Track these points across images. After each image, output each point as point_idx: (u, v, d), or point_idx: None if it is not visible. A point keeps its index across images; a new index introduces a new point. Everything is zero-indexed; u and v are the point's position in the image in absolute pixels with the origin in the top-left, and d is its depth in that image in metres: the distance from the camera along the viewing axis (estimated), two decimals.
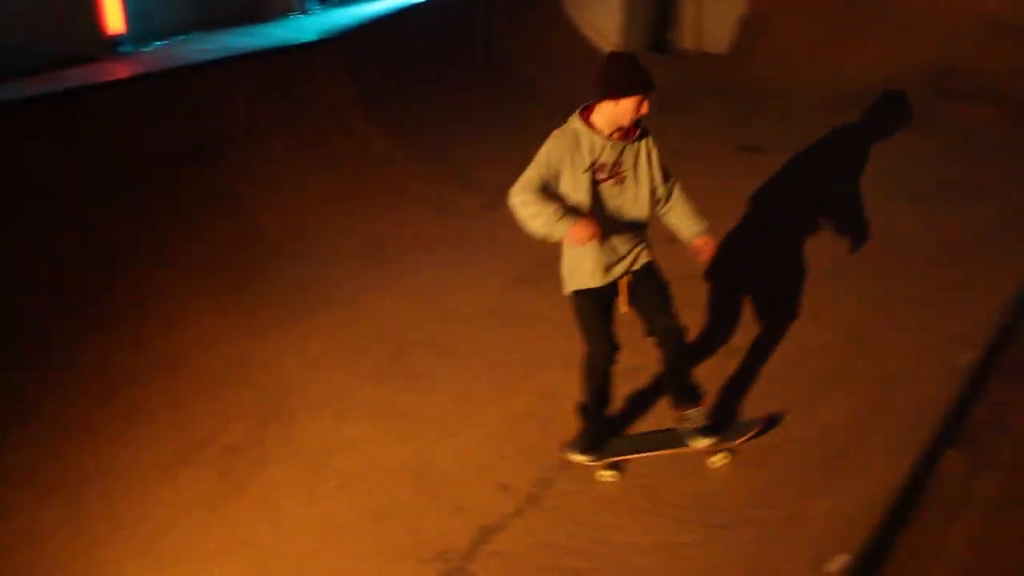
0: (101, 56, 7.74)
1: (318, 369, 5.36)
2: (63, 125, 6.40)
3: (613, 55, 4.26)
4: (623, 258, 4.27)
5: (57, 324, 5.49)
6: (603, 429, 4.54)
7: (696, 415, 4.48)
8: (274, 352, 5.52)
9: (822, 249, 6.85)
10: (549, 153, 4.17)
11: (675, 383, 4.49)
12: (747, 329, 5.73)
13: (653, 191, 4.29)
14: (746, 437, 4.53)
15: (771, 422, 4.68)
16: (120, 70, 7.44)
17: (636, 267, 4.30)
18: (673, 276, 4.46)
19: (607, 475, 4.44)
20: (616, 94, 4.03)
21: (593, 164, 4.09)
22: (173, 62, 7.55)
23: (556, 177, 4.13)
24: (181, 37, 8.44)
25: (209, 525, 4.20)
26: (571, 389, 4.59)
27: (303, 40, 8.17)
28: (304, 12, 9.32)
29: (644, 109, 4.08)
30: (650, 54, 12.36)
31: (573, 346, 4.49)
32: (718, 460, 4.48)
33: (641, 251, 4.31)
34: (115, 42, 7.93)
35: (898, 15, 11.04)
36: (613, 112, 4.06)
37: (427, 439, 4.73)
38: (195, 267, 6.20)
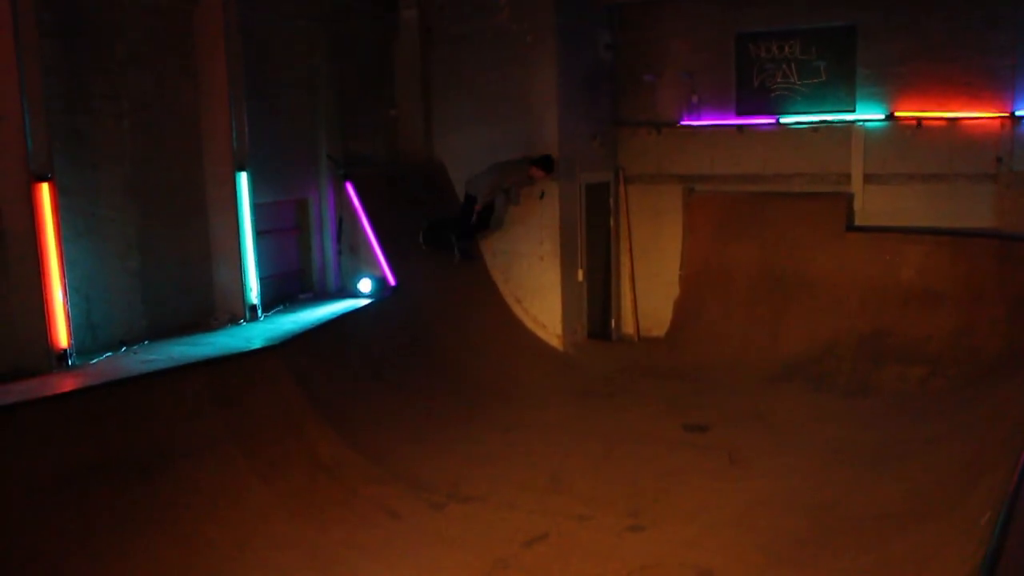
0: (48, 370, 7.73)
1: None
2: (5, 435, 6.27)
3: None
4: None
5: None
6: None
7: None
8: None
9: (778, 530, 6.83)
10: None
11: None
12: None
13: None
14: None
15: None
16: (65, 383, 7.42)
17: None
18: None
19: None
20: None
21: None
22: (118, 374, 7.57)
23: None
24: (127, 348, 8.51)
25: None
26: None
27: (249, 348, 8.29)
28: (251, 319, 9.52)
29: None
30: (592, 341, 12.77)
31: None
32: None
33: None
34: (61, 355, 7.97)
35: (821, 289, 11.66)
36: None
37: None
38: None
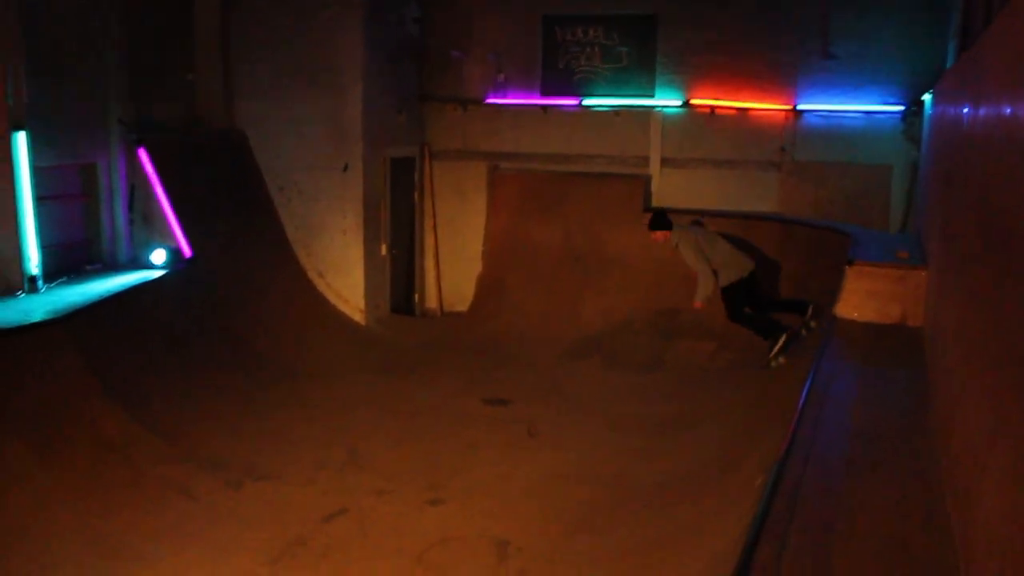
0: None
1: None
2: None
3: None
4: None
5: None
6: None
7: None
8: None
9: (572, 500, 7.05)
10: None
11: None
12: None
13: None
14: None
15: None
16: None
17: None
18: None
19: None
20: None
21: None
22: None
23: None
24: None
25: None
26: None
27: (27, 321, 7.73)
28: (30, 291, 8.89)
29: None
30: (396, 316, 12.73)
31: None
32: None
33: None
34: None
35: (619, 267, 12.10)
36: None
37: None
38: None
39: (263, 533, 6.44)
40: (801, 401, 5.47)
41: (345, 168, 11.75)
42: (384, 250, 12.44)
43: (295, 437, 8.34)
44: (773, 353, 9.43)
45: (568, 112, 13.17)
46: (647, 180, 12.77)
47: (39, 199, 9.05)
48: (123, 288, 9.24)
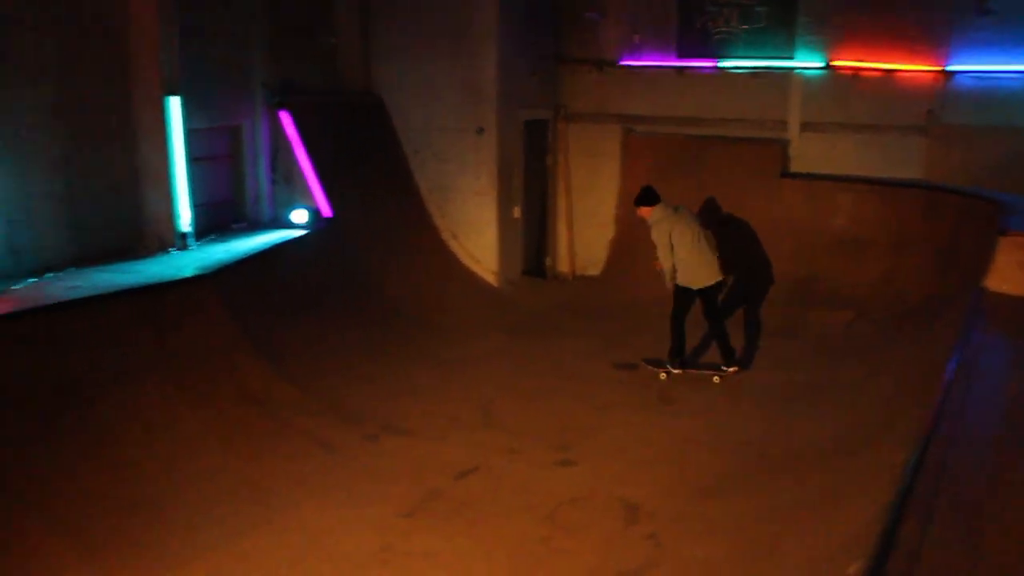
0: None
1: None
2: None
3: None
4: None
5: None
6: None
7: None
8: None
9: (703, 466, 7.01)
10: None
11: None
12: (637, 550, 5.69)
13: None
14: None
15: None
16: None
17: None
18: None
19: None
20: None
21: None
22: (43, 300, 7.38)
23: None
24: (53, 274, 8.29)
25: None
26: None
27: (180, 276, 8.13)
28: (182, 248, 9.33)
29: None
30: (527, 279, 12.82)
31: None
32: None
33: None
34: None
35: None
36: None
37: None
38: (63, 512, 5.81)
39: (399, 487, 6.63)
40: (948, 375, 5.27)
41: (480, 131, 11.84)
42: (517, 212, 12.51)
43: (429, 393, 8.53)
44: (657, 366, 9.29)
45: (704, 74, 12.89)
46: (784, 145, 12.42)
47: (191, 160, 9.46)
48: (266, 246, 9.60)
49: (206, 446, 6.84)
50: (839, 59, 12.12)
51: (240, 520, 6.07)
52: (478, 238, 12.11)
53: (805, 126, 12.41)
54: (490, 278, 12.09)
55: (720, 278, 9.25)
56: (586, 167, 13.55)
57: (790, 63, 12.36)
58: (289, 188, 10.91)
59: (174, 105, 9.19)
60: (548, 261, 13.69)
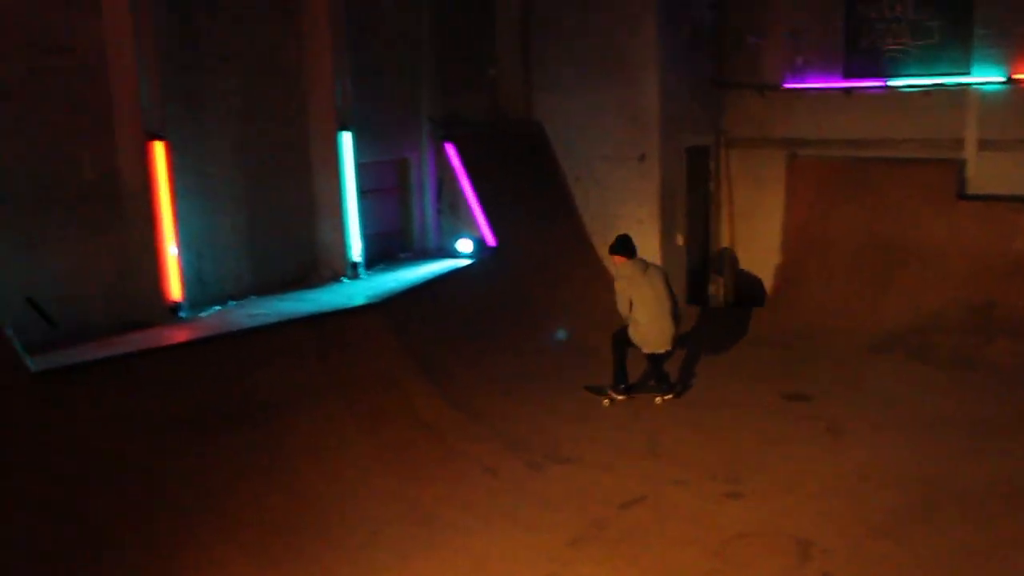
0: (161, 322, 8.02)
1: None
2: (119, 387, 6.58)
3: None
4: None
5: None
6: None
7: None
8: None
9: (879, 502, 6.72)
10: None
11: None
12: None
13: None
14: None
15: None
16: (178, 335, 7.70)
17: None
18: None
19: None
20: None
21: None
22: (227, 327, 7.81)
23: None
24: (235, 303, 8.76)
25: None
26: None
27: (351, 304, 8.45)
28: (353, 277, 9.69)
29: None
30: (691, 306, 12.66)
31: None
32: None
33: None
34: (174, 308, 8.25)
35: (928, 258, 11.31)
36: None
37: None
38: (242, 529, 6.11)
39: (563, 514, 6.64)
40: None
41: (642, 158, 11.82)
42: (680, 240, 12.39)
43: (594, 421, 8.52)
44: (598, 392, 9.15)
45: (872, 94, 12.45)
46: (961, 165, 11.84)
47: (361, 192, 9.83)
48: (433, 275, 9.86)
49: (376, 470, 7.05)
50: (1021, 72, 11.49)
51: (409, 544, 6.21)
52: None
53: (984, 144, 11.78)
54: None
55: (669, 348, 9.09)
56: (749, 192, 13.30)
57: (966, 79, 11.80)
58: (454, 218, 11.18)
59: (346, 140, 9.59)
60: (711, 288, 13.48)
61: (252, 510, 6.31)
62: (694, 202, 12.90)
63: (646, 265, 9.13)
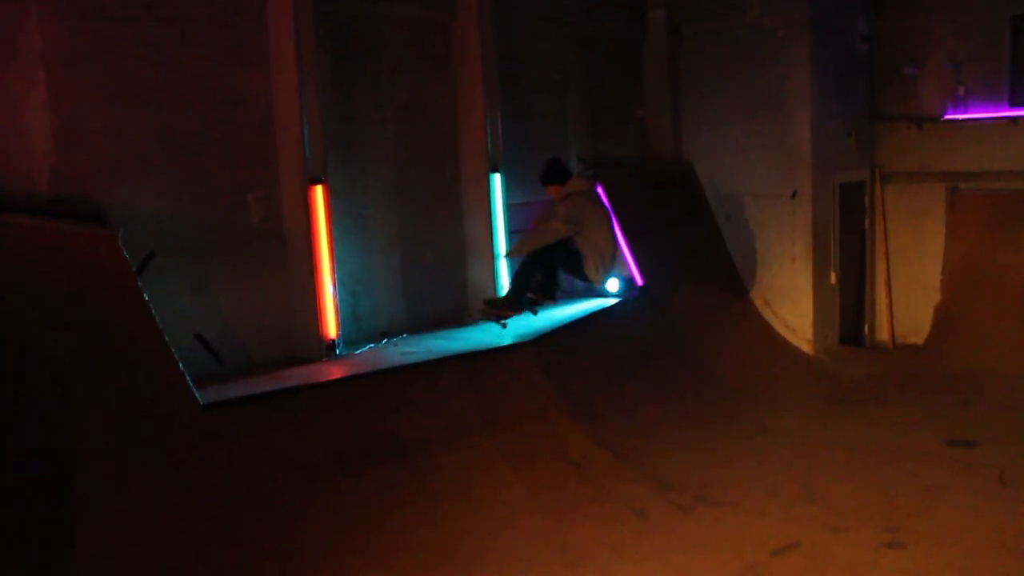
0: (318, 358, 8.35)
1: None
2: (278, 419, 6.89)
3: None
4: None
5: None
6: None
7: None
8: None
9: None
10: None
11: None
12: None
13: None
14: None
15: None
16: (334, 371, 7.99)
17: None
18: None
19: None
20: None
21: None
22: (381, 363, 8.06)
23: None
24: (388, 340, 9.03)
25: None
26: None
27: (502, 343, 8.58)
28: None
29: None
30: (844, 347, 12.28)
31: None
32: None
33: None
34: (331, 345, 8.56)
35: None
36: None
37: None
38: (400, 565, 6.28)
39: (715, 559, 6.50)
40: None
41: (794, 195, 11.59)
42: (833, 278, 12.05)
43: (745, 463, 8.33)
44: (498, 311, 8.95)
45: None
46: None
47: (510, 233, 10.00)
48: (582, 314, 9.91)
49: (526, 507, 7.10)
50: None
51: None
52: (793, 305, 11.78)
53: None
54: (805, 347, 11.69)
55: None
56: (906, 229, 12.82)
57: None
58: None
59: (496, 182, 9.79)
60: (866, 329, 13.03)
61: (402, 541, 6.47)
62: (848, 240, 12.53)
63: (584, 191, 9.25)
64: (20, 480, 5.63)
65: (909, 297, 12.81)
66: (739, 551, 6.61)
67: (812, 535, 6.81)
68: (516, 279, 8.92)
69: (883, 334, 13.05)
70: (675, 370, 10.05)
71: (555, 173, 9.16)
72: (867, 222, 12.90)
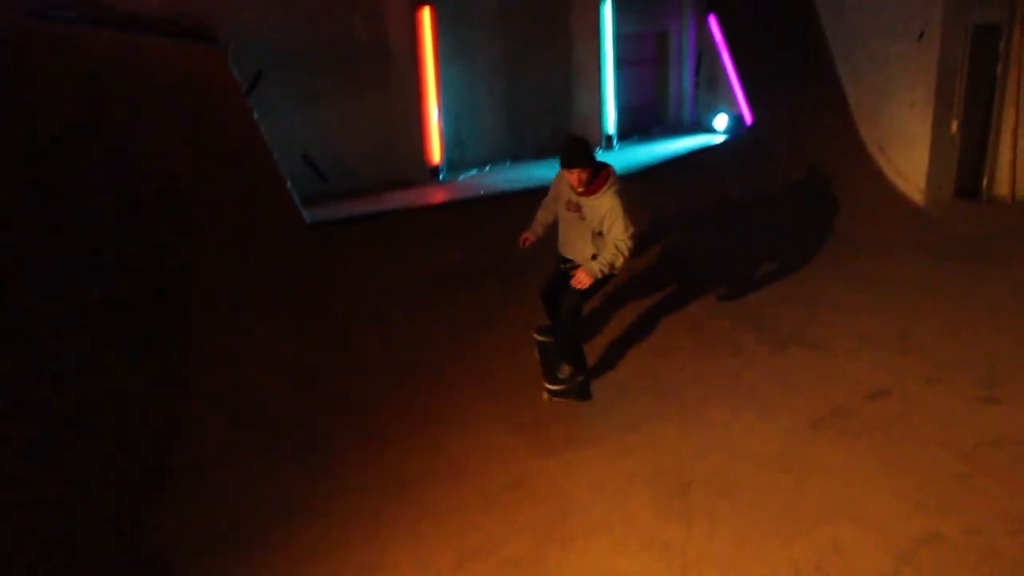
0: (423, 181, 8.44)
1: (600, 494, 5.36)
2: (384, 239, 7.07)
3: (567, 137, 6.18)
4: (565, 258, 6.25)
5: (356, 421, 5.98)
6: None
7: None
8: (559, 473, 5.60)
9: None
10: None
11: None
12: None
13: (594, 231, 5.94)
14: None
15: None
16: (436, 195, 8.09)
17: (567, 266, 6.18)
18: None
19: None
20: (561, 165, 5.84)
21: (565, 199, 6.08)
22: (482, 190, 8.11)
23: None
24: (491, 167, 9.04)
25: None
26: (860, 547, 4.58)
27: None
28: (607, 148, 9.72)
29: (573, 179, 5.80)
30: (959, 200, 11.81)
31: (862, 499, 4.70)
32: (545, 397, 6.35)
33: (579, 261, 6.07)
34: (434, 170, 8.63)
35: None
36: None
37: None
38: (496, 383, 6.52)
39: (804, 398, 6.54)
40: None
41: (920, 36, 10.93)
42: (955, 127, 11.48)
43: (844, 309, 8.24)
44: (561, 387, 6.42)
45: None
46: None
47: (619, 64, 9.75)
48: (687, 150, 9.72)
49: (622, 335, 7.21)
50: None
51: (641, 410, 6.40)
52: (908, 153, 11.29)
53: None
54: (917, 197, 11.28)
55: None
56: None
57: None
58: (711, 93, 10.90)
59: (607, 11, 9.48)
60: (985, 182, 12.46)
61: (500, 357, 6.69)
62: (976, 87, 11.84)
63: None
64: (140, 292, 5.94)
65: None
66: (829, 392, 6.63)
67: (906, 383, 6.77)
68: (569, 334, 6.39)
69: (1002, 188, 12.46)
70: (778, 214, 9.86)
71: (586, 154, 5.86)
72: (1000, 68, 12.14)
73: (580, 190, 5.84)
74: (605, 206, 5.82)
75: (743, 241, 9.22)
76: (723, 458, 5.75)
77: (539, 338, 6.39)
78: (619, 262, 5.88)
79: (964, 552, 4.71)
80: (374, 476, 5.54)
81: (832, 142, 11.27)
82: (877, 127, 11.46)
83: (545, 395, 6.41)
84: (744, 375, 6.90)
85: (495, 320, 7.30)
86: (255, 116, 6.92)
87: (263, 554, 4.80)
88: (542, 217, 6.41)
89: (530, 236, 6.40)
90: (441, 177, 8.69)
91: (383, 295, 7.17)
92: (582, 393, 6.49)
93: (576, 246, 6.10)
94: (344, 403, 6.26)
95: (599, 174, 5.84)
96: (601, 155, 9.45)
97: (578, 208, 5.96)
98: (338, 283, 6.98)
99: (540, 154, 9.46)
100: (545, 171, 8.73)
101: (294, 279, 6.82)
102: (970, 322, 7.98)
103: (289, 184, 6.99)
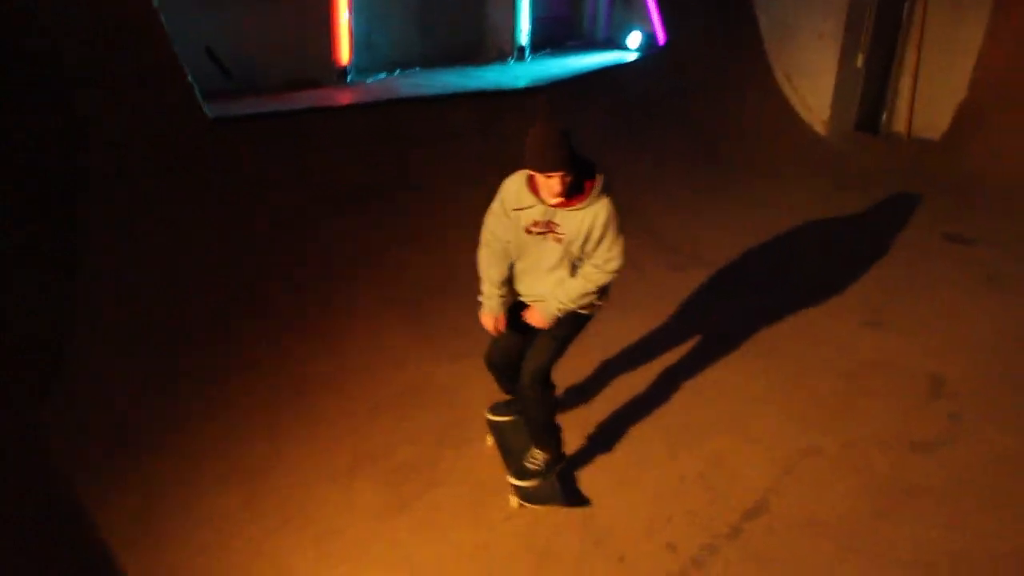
0: (329, 83, 8.21)
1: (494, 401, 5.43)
2: (286, 140, 6.86)
3: (534, 127, 3.97)
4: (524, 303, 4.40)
5: (259, 324, 5.87)
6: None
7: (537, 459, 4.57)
8: (458, 380, 5.63)
9: (1018, 360, 6.47)
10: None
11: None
12: (933, 425, 5.47)
13: (572, 256, 4.17)
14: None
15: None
16: (343, 97, 7.87)
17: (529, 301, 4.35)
18: None
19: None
20: (528, 166, 3.95)
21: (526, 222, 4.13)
22: (392, 94, 7.93)
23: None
24: (401, 72, 8.84)
25: (374, 535, 4.30)
26: (744, 458, 4.84)
27: (515, 86, 8.41)
28: (518, 59, 9.60)
29: (551, 183, 3.89)
30: (859, 133, 12.10)
31: (747, 414, 4.97)
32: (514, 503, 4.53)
33: (546, 295, 4.26)
34: (342, 71, 8.39)
35: None
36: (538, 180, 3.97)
37: (597, 491, 4.69)
38: (399, 291, 6.48)
39: (695, 315, 6.71)
40: None
41: None
42: (860, 61, 11.70)
43: (741, 232, 8.41)
44: (533, 483, 4.56)
45: None
46: None
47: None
48: (598, 66, 9.66)
49: None
50: None
51: None
52: (814, 83, 11.48)
53: None
54: (820, 128, 11.51)
55: None
56: (946, 20, 12.26)
57: None
58: (627, 10, 10.82)
59: None
60: (884, 117, 12.79)
61: (402, 271, 6.63)
62: (883, 24, 12.04)
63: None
64: (29, 200, 5.65)
65: (933, 90, 12.45)
66: (724, 313, 6.80)
67: (797, 310, 6.98)
68: (542, 407, 4.53)
69: (900, 125, 12.81)
70: (685, 136, 9.93)
71: (571, 150, 3.92)
72: (906, 6, 12.36)
73: (557, 201, 3.96)
74: (593, 219, 4.01)
75: (652, 162, 9.26)
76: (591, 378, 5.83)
77: (494, 418, 4.96)
78: (591, 292, 4.21)
79: (841, 464, 4.95)
80: (272, 380, 5.47)
81: (741, 66, 11.35)
82: (786, 56, 11.59)
83: (513, 500, 4.53)
84: (646, 294, 7.00)
85: (398, 234, 7.18)
86: (155, 3, 6.59)
87: (154, 456, 4.74)
88: (494, 266, 4.36)
89: (500, 316, 4.42)
90: (349, 79, 8.46)
91: (281, 195, 6.99)
92: (565, 496, 4.58)
93: (545, 282, 4.25)
94: (250, 308, 6.10)
95: (585, 180, 4.00)
96: (512, 66, 9.34)
97: (549, 227, 4.08)
98: (237, 178, 6.77)
99: (451, 61, 9.30)
100: (455, 79, 8.59)
101: (192, 173, 6.59)
102: (863, 254, 8.25)
103: (191, 78, 6.71)
